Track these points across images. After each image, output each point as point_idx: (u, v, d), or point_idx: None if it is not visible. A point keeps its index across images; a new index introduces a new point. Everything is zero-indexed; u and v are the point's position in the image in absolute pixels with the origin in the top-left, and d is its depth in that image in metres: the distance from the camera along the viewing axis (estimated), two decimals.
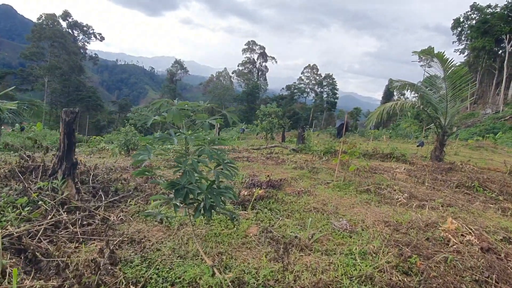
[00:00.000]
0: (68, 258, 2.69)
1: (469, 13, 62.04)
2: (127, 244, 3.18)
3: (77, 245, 3.12)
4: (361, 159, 9.97)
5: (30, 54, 65.87)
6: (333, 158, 7.98)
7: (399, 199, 5.56)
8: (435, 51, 10.91)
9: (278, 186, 5.58)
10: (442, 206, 5.43)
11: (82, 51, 79.64)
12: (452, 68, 11.02)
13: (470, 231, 4.19)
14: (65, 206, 3.66)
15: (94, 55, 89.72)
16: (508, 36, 53.95)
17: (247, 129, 40.19)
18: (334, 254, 3.30)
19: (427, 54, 11.23)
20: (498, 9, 56.68)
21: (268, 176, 5.91)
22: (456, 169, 9.97)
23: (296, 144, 14.07)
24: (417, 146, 13.19)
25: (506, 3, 55.74)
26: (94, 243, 3.20)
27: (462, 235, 4.07)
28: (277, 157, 9.53)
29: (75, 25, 79.33)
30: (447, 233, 4.09)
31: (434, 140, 12.63)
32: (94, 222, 3.56)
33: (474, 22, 60.08)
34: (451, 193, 6.70)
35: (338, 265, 3.05)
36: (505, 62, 54.55)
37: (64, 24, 75.24)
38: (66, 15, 77.25)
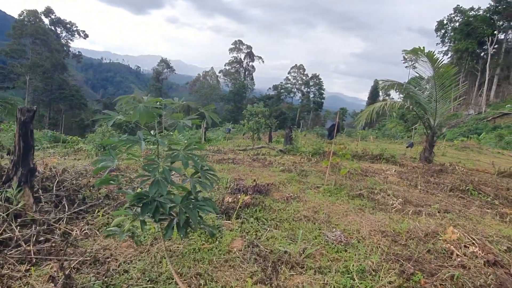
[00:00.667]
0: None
1: (453, 15, 63.11)
2: (88, 266, 2.72)
3: (28, 267, 2.63)
4: (351, 161, 9.66)
5: (11, 51, 63.62)
6: (323, 161, 7.63)
7: (394, 204, 5.23)
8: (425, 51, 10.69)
9: (265, 192, 5.17)
10: (439, 212, 5.12)
11: (65, 48, 77.53)
12: (442, 67, 10.84)
13: (473, 241, 3.88)
14: (19, 219, 3.16)
15: (77, 53, 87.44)
16: (490, 38, 55.10)
17: (234, 129, 39.65)
18: (329, 272, 2.91)
19: (417, 53, 11.01)
20: (481, 12, 57.82)
21: (254, 180, 5.49)
22: (447, 171, 9.78)
23: (283, 145, 13.68)
24: (407, 147, 13.02)
25: (488, 5, 56.95)
26: (49, 264, 2.72)
27: (465, 246, 3.75)
28: (264, 159, 9.11)
29: (58, 22, 77.17)
30: (449, 244, 3.76)
31: (423, 141, 12.46)
32: (53, 237, 3.07)
33: (457, 24, 61.09)
34: (445, 197, 6.43)
35: (334, 287, 2.66)
36: (487, 64, 55.74)
37: (46, 21, 73.04)
38: (48, 11, 75.06)
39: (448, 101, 11.71)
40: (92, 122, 71.42)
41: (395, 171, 9.27)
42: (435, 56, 10.56)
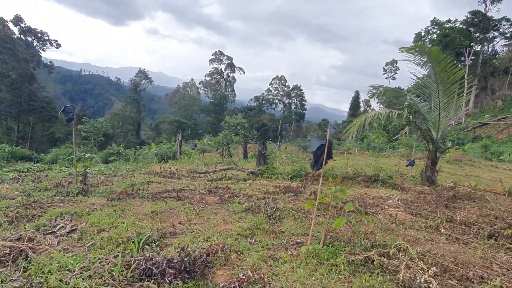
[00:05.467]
0: None
1: (430, 28, 63.53)
2: None
3: None
4: (342, 188, 7.44)
5: None
6: (305, 201, 5.25)
7: (429, 284, 3.00)
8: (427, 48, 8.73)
9: (201, 271, 2.82)
10: None
11: (36, 58, 73.48)
12: (448, 70, 8.91)
13: None
14: None
15: (49, 63, 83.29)
16: (467, 49, 55.27)
17: (211, 141, 37.08)
18: None
19: (417, 51, 9.05)
20: (458, 24, 58.21)
21: (182, 249, 3.10)
22: (462, 197, 7.70)
23: (255, 164, 11.22)
24: (407, 165, 10.99)
25: (465, 18, 57.41)
26: None
27: None
28: (225, 188, 6.68)
29: (28, 31, 73.33)
30: None
31: (425, 157, 10.47)
32: None
33: (435, 36, 61.33)
34: (487, 249, 4.28)
35: None
36: (465, 75, 55.77)
37: (16, 30, 69.05)
38: (17, 20, 71.16)
39: (453, 109, 9.86)
40: (66, 136, 67.58)
41: (398, 199, 7.14)
42: (441, 55, 8.62)
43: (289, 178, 8.32)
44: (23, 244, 3.00)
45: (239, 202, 5.37)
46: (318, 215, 4.83)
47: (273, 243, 3.76)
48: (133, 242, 3.28)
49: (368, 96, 11.48)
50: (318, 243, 3.71)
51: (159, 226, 3.99)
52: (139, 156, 20.98)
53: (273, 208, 4.91)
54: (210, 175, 9.00)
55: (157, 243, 3.42)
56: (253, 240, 3.78)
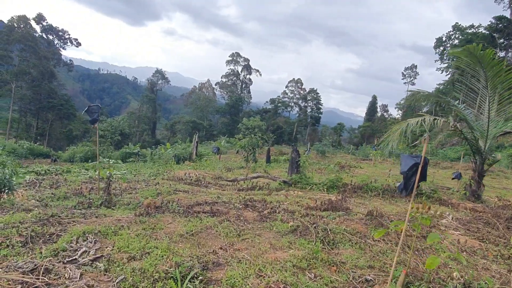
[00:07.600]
0: None
1: (451, 33, 61.79)
2: None
3: None
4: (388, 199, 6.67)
5: None
6: (376, 230, 4.36)
7: None
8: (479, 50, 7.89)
9: None
10: None
11: (56, 56, 74.67)
12: (503, 74, 8.04)
13: None
14: None
15: (69, 62, 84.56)
16: None
17: (228, 143, 36.53)
18: None
19: (469, 55, 8.23)
20: (481, 29, 56.41)
21: None
22: None
23: (287, 173, 10.42)
24: (453, 178, 10.13)
25: (489, 23, 55.53)
26: None
27: None
28: (262, 201, 5.95)
29: (49, 29, 74.64)
30: None
31: (471, 170, 9.60)
32: None
33: (456, 42, 59.63)
34: None
35: None
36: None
37: (38, 28, 70.38)
38: (40, 18, 72.51)
39: (504, 117, 8.99)
40: (83, 133, 68.26)
41: (452, 218, 6.33)
42: (495, 59, 7.78)
43: (325, 190, 7.60)
44: (38, 279, 2.40)
45: (281, 220, 4.68)
46: (379, 241, 4.10)
47: (337, 279, 3.07)
48: (172, 277, 2.65)
49: (406, 101, 10.66)
50: (395, 281, 3.00)
51: (198, 252, 3.33)
52: (155, 157, 20.70)
53: (325, 230, 4.21)
54: (239, 183, 8.35)
55: (200, 278, 2.76)
56: (313, 275, 3.09)
